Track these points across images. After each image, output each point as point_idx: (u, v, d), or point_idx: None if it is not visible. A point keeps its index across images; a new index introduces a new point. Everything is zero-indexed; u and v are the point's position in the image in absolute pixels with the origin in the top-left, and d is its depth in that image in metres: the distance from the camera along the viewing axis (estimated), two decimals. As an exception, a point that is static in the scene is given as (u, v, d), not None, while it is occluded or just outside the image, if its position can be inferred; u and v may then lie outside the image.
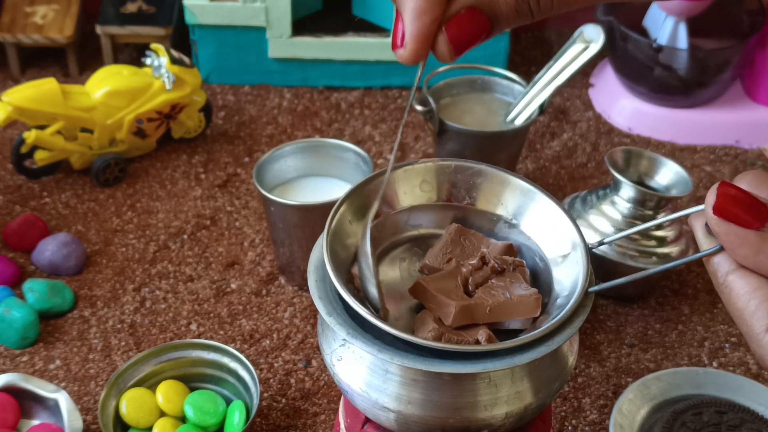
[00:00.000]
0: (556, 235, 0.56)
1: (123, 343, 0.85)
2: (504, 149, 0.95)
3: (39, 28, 1.14)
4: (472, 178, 0.59)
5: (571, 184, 1.05)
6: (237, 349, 0.81)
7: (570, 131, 1.12)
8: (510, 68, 1.10)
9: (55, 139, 0.98)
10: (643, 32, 1.10)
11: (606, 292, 0.91)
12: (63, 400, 0.75)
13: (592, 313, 0.90)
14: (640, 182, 0.89)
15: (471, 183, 0.59)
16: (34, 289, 0.86)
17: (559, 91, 1.05)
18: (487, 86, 1.00)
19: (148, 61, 1.01)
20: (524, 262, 0.57)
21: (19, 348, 0.84)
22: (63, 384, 0.81)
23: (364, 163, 0.88)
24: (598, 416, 0.80)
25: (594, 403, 0.81)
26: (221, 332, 0.87)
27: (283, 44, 1.13)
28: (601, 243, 0.57)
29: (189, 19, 1.12)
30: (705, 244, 0.45)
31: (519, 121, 0.96)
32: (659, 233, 0.87)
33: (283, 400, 0.81)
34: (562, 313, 0.51)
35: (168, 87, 1.00)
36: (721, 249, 0.44)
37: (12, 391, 0.76)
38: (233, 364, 0.78)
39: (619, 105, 1.14)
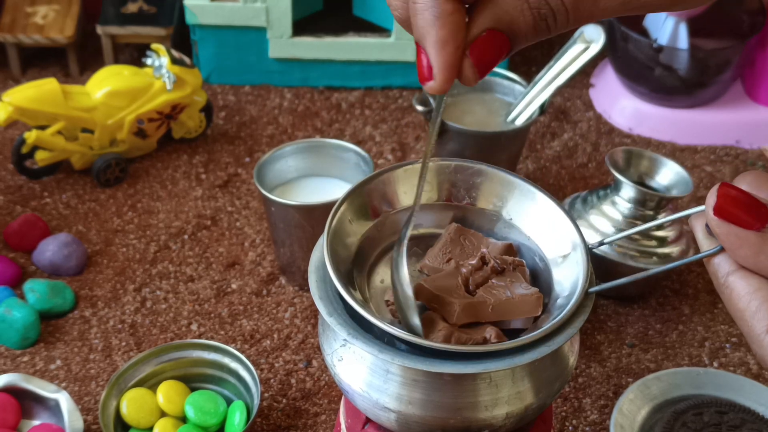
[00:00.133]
0: (556, 236, 0.57)
1: (124, 344, 0.85)
2: (504, 149, 0.95)
3: (40, 29, 1.14)
4: (472, 178, 0.59)
5: (571, 184, 1.05)
6: (238, 350, 0.81)
7: (570, 131, 1.12)
8: (510, 68, 1.10)
9: (56, 139, 0.98)
10: (644, 32, 1.10)
11: (607, 292, 0.91)
12: (64, 400, 0.75)
13: (593, 314, 0.90)
14: (640, 182, 0.89)
15: (471, 183, 0.59)
16: (35, 289, 0.86)
17: (559, 91, 1.05)
18: (488, 86, 1.00)
19: (148, 61, 1.01)
20: (524, 261, 0.57)
21: (20, 348, 0.84)
22: (64, 384, 0.81)
23: (365, 164, 0.88)
24: (599, 416, 0.80)
25: (594, 404, 0.81)
26: (222, 332, 0.87)
27: (284, 44, 1.13)
28: (601, 243, 0.57)
29: (189, 19, 1.12)
30: (705, 244, 0.45)
31: (519, 122, 0.96)
32: (660, 233, 0.87)
33: (284, 401, 0.81)
34: (562, 314, 0.51)
35: (169, 87, 1.00)
36: (722, 250, 0.44)
37: (13, 391, 0.76)
38: (234, 365, 0.78)
39: (620, 105, 1.14)
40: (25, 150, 0.99)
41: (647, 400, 0.77)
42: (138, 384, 0.77)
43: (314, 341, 0.86)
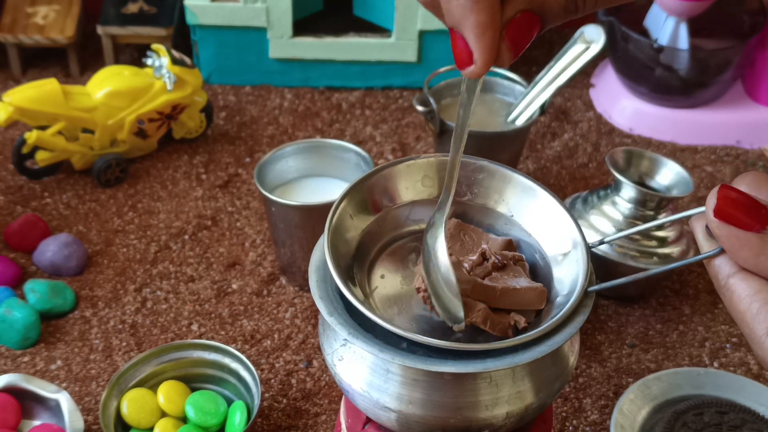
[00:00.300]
0: (557, 233, 0.56)
1: (124, 344, 0.85)
2: (505, 149, 0.95)
3: (40, 29, 1.14)
4: (474, 174, 0.59)
5: (572, 184, 1.05)
6: (238, 350, 0.81)
7: (571, 131, 1.12)
8: (511, 68, 1.10)
9: (56, 139, 0.98)
10: (644, 32, 1.10)
11: (607, 292, 0.91)
12: (64, 400, 0.75)
13: (593, 313, 0.90)
14: (641, 182, 0.89)
15: (472, 179, 0.59)
16: (36, 289, 0.86)
17: (560, 91, 1.05)
18: (488, 87, 1.00)
19: (149, 61, 1.01)
20: (524, 256, 0.57)
21: (21, 348, 0.84)
22: (64, 384, 0.81)
23: (365, 164, 0.88)
24: (599, 416, 0.80)
25: (595, 404, 0.81)
26: (222, 333, 0.87)
27: (284, 44, 1.13)
28: (601, 242, 0.57)
29: (190, 19, 1.12)
30: (706, 246, 0.45)
31: (520, 122, 0.96)
32: (660, 233, 0.87)
33: (284, 401, 0.81)
34: (561, 313, 0.51)
35: (169, 87, 1.00)
36: (722, 251, 0.44)
37: (13, 391, 0.76)
38: (234, 365, 0.78)
39: (620, 105, 1.14)
40: (25, 150, 0.99)
41: (648, 400, 0.77)
42: (138, 384, 0.77)
43: (315, 341, 0.86)
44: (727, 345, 0.87)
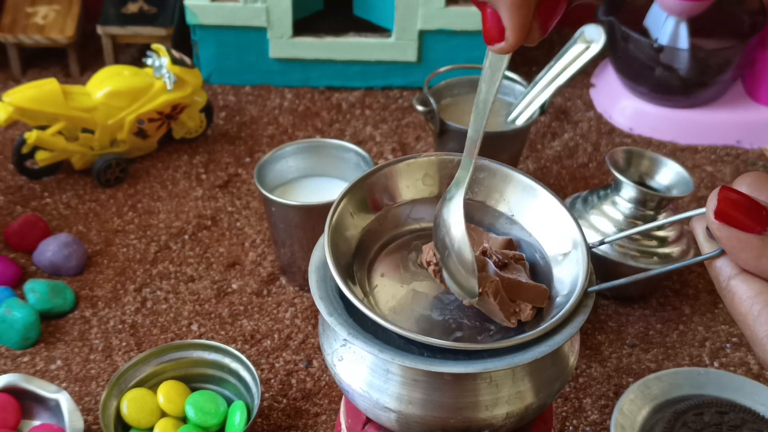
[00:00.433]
0: (557, 233, 0.56)
1: (124, 344, 0.85)
2: (505, 149, 0.95)
3: (40, 29, 1.14)
4: (475, 173, 0.59)
5: (572, 184, 1.05)
6: (238, 350, 0.81)
7: (571, 131, 1.12)
8: (511, 68, 1.10)
9: (56, 139, 0.98)
10: (644, 32, 1.10)
11: (607, 292, 0.91)
12: (64, 400, 0.75)
13: (593, 313, 0.89)
14: (641, 182, 0.89)
15: (473, 178, 0.59)
16: (35, 289, 0.86)
17: (560, 91, 1.05)
18: (488, 86, 1.00)
19: (149, 61, 1.01)
20: (524, 255, 0.57)
21: (20, 348, 0.84)
22: (64, 384, 0.81)
23: (365, 164, 0.88)
24: (599, 416, 0.80)
25: (595, 404, 0.81)
26: (222, 333, 0.87)
27: (284, 44, 1.13)
28: (602, 242, 0.57)
29: (190, 19, 1.12)
30: (706, 247, 0.45)
31: (520, 122, 0.96)
32: (660, 233, 0.87)
33: (284, 401, 0.81)
34: (561, 313, 0.51)
35: (169, 87, 1.00)
36: (723, 252, 0.44)
37: (13, 391, 0.76)
38: (234, 365, 0.78)
39: (620, 105, 1.14)
40: (25, 150, 0.99)
41: (648, 400, 0.77)
42: (138, 384, 0.77)
43: (315, 341, 0.86)
44: (727, 345, 0.87)
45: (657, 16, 1.09)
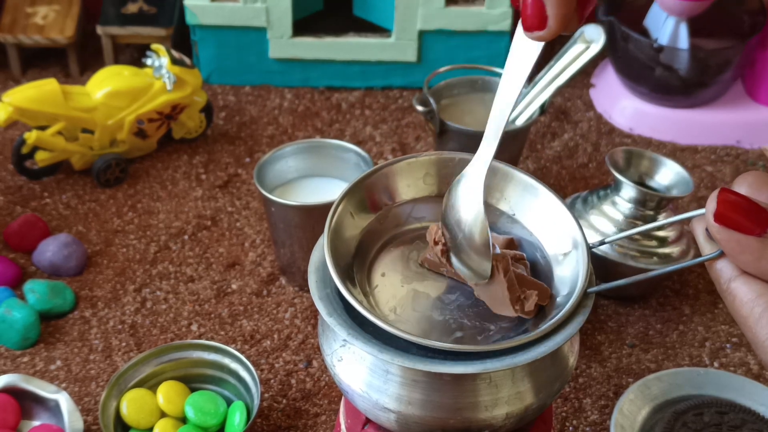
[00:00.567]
0: (558, 233, 0.56)
1: (124, 344, 0.85)
2: (505, 149, 0.95)
3: (40, 29, 1.14)
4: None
5: (572, 184, 1.05)
6: (238, 350, 0.81)
7: (571, 131, 1.12)
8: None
9: (56, 139, 0.98)
10: (644, 32, 1.10)
11: (607, 292, 0.91)
12: (64, 400, 0.75)
13: (593, 314, 0.89)
14: (641, 182, 0.89)
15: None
16: (35, 289, 0.86)
17: (560, 91, 1.05)
18: (488, 86, 1.00)
19: (148, 61, 1.01)
20: (525, 255, 0.57)
21: (20, 349, 0.84)
22: (64, 385, 0.81)
23: (365, 164, 0.88)
24: (599, 417, 0.80)
25: (595, 404, 0.81)
26: (222, 333, 0.87)
27: (284, 44, 1.13)
28: (602, 242, 0.57)
29: (190, 19, 1.12)
30: (706, 248, 0.45)
31: (520, 122, 0.96)
32: (660, 233, 0.87)
33: (284, 401, 0.81)
34: (561, 313, 0.51)
35: (169, 87, 1.00)
36: (722, 254, 0.44)
37: (13, 391, 0.76)
38: (234, 365, 0.78)
39: (620, 105, 1.14)
40: (25, 150, 0.99)
41: (648, 401, 0.77)
42: (138, 384, 0.77)
43: (314, 342, 0.86)
44: (727, 345, 0.87)
45: (657, 16, 1.09)
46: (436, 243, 0.54)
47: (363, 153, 0.88)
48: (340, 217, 0.56)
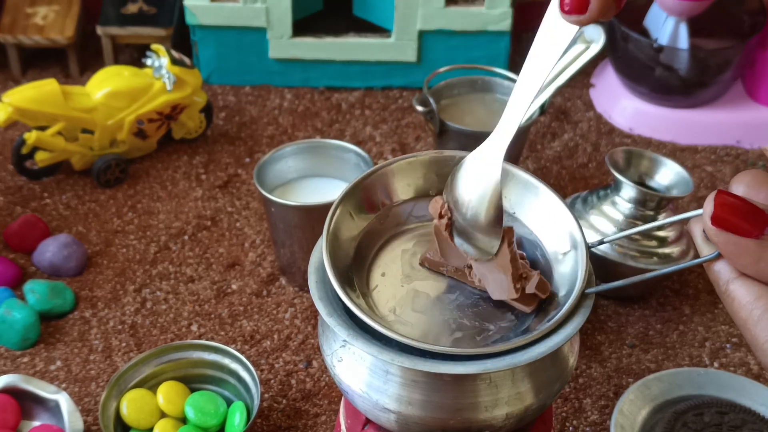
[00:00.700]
0: (557, 232, 0.56)
1: (124, 344, 0.85)
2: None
3: (40, 29, 1.14)
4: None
5: (572, 184, 1.05)
6: (238, 350, 0.81)
7: (571, 131, 1.12)
8: (511, 69, 1.10)
9: (56, 140, 0.98)
10: (644, 32, 1.10)
11: (607, 292, 0.90)
12: (64, 401, 0.75)
13: (593, 314, 0.89)
14: (640, 182, 0.89)
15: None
16: (35, 290, 0.86)
17: (559, 91, 1.05)
18: (488, 87, 1.00)
19: (148, 61, 1.01)
20: (524, 253, 0.57)
21: (20, 349, 0.84)
22: (64, 385, 0.81)
23: (365, 164, 0.88)
24: (599, 417, 0.80)
25: (595, 404, 0.81)
26: (222, 333, 0.87)
27: (284, 45, 1.13)
28: (601, 242, 0.57)
29: (189, 19, 1.12)
30: (704, 249, 0.45)
31: (520, 122, 0.95)
32: (660, 233, 0.87)
33: (284, 401, 0.81)
34: (559, 314, 0.51)
35: (169, 88, 1.00)
36: (720, 255, 0.44)
37: (13, 392, 0.76)
38: (234, 365, 0.78)
39: (620, 105, 1.14)
40: (25, 151, 0.99)
41: (648, 401, 0.77)
42: (138, 385, 0.77)
43: (314, 342, 0.86)
44: (728, 345, 0.87)
45: (657, 16, 1.09)
46: (441, 216, 0.53)
47: (363, 153, 0.88)
48: (339, 219, 0.56)
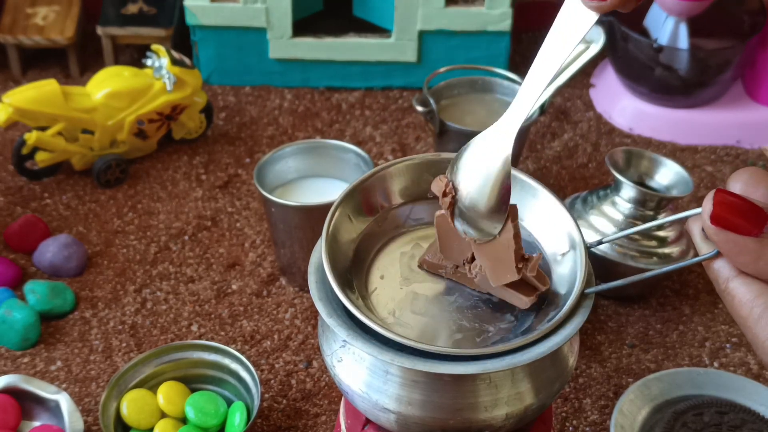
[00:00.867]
0: (556, 233, 0.56)
1: (124, 344, 0.85)
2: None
3: (40, 30, 1.14)
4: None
5: (572, 184, 1.05)
6: (238, 350, 0.81)
7: (571, 131, 1.12)
8: (511, 69, 1.10)
9: (56, 140, 0.98)
10: (644, 32, 1.10)
11: (607, 292, 0.91)
12: (64, 401, 0.76)
13: (593, 314, 0.89)
14: (640, 182, 0.89)
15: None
16: (35, 290, 0.86)
17: (559, 91, 1.05)
18: (488, 87, 1.00)
19: (148, 62, 1.01)
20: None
21: (20, 349, 0.84)
22: (64, 385, 0.81)
23: (365, 164, 0.88)
24: (599, 417, 0.80)
25: (595, 404, 0.81)
26: (222, 333, 0.87)
27: (284, 45, 1.13)
28: (599, 242, 0.57)
29: (190, 20, 1.12)
30: (703, 248, 0.45)
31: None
32: (660, 233, 0.87)
33: (284, 401, 0.81)
34: (558, 314, 0.51)
35: (169, 88, 1.00)
36: (719, 254, 0.44)
37: (13, 392, 0.76)
38: (234, 365, 0.78)
39: (620, 105, 1.14)
40: (25, 151, 0.99)
41: (647, 401, 0.77)
42: (138, 385, 0.77)
43: (314, 342, 0.86)
44: (727, 345, 0.87)
45: (657, 16, 1.09)
46: (445, 194, 0.53)
47: (363, 153, 0.88)
48: (338, 222, 0.56)
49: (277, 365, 0.84)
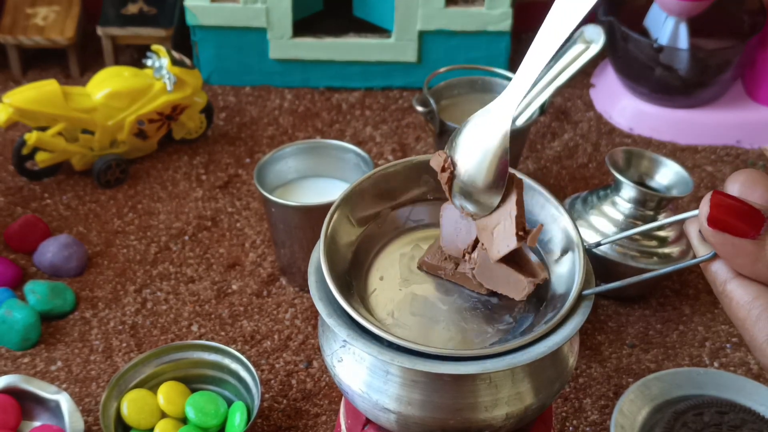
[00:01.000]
0: (555, 234, 0.56)
1: (124, 345, 0.85)
2: (505, 150, 0.95)
3: (40, 30, 1.14)
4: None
5: (572, 184, 1.05)
6: (238, 350, 0.81)
7: (571, 131, 1.12)
8: (511, 69, 1.10)
9: (56, 140, 0.98)
10: (644, 32, 1.10)
11: (607, 292, 0.91)
12: (64, 401, 0.76)
13: (593, 314, 0.90)
14: (640, 183, 0.89)
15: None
16: (36, 290, 0.86)
17: (559, 91, 1.05)
18: (488, 87, 1.00)
19: (149, 62, 1.01)
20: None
21: (21, 349, 0.84)
22: (64, 385, 0.81)
23: (365, 164, 0.88)
24: (599, 417, 0.80)
25: (595, 404, 0.81)
26: (222, 333, 0.87)
27: (284, 45, 1.13)
28: (598, 244, 0.57)
29: (190, 20, 1.12)
30: (701, 250, 0.45)
31: (520, 122, 0.96)
32: (660, 233, 0.87)
33: (284, 401, 0.81)
34: (557, 315, 0.51)
35: (169, 88, 1.00)
36: (717, 255, 0.44)
37: (13, 392, 0.76)
38: (234, 365, 0.78)
39: (620, 105, 1.14)
40: (25, 151, 0.99)
41: (648, 401, 0.77)
42: (139, 385, 0.77)
43: (315, 342, 0.86)
44: (727, 345, 0.87)
45: (657, 16, 1.09)
46: (444, 170, 0.53)
47: (363, 153, 0.88)
48: (337, 224, 0.56)
49: (277, 365, 0.84)
